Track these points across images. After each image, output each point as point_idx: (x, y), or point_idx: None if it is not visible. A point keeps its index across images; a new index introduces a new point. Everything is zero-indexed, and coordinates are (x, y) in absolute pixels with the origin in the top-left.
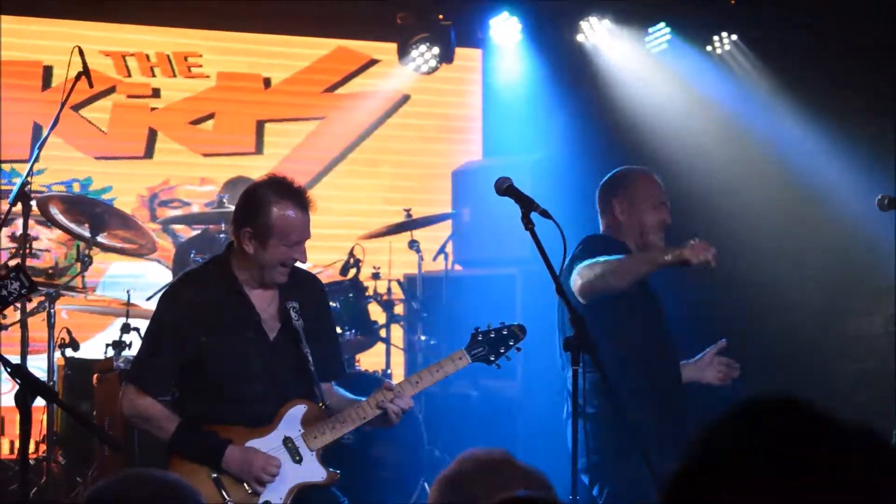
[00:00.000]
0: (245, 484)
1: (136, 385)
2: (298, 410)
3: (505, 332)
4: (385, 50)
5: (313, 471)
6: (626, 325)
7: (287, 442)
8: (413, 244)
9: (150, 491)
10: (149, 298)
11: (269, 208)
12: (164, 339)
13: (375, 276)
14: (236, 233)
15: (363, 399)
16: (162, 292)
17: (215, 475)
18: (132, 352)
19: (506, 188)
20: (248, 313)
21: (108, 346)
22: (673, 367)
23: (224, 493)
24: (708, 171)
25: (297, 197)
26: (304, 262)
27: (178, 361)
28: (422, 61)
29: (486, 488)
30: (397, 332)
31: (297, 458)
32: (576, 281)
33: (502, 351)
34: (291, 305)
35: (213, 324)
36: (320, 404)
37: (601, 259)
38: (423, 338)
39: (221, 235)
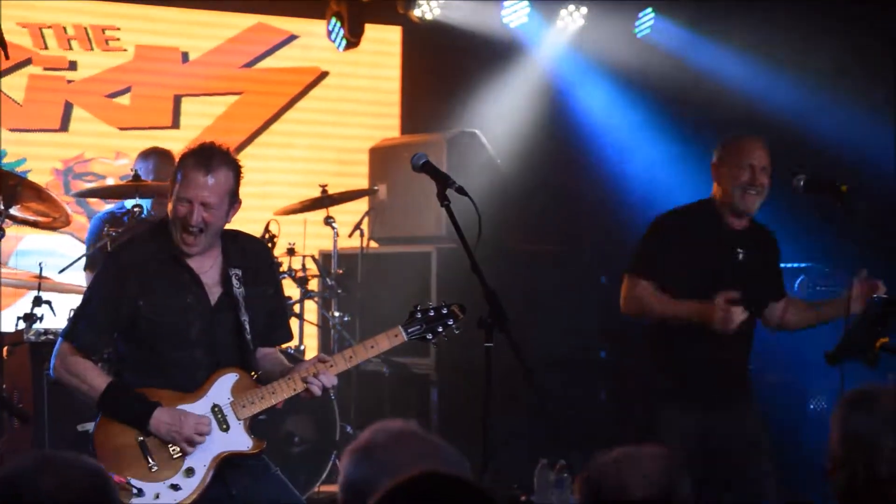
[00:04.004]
0: (171, 448)
1: (70, 343)
2: (229, 378)
3: (444, 311)
4: (305, 25)
5: (240, 440)
6: None
7: (215, 409)
8: (329, 220)
9: (65, 479)
10: (61, 271)
11: (178, 164)
12: (102, 300)
13: (290, 252)
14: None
15: (295, 369)
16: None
17: (141, 438)
18: (43, 325)
19: (422, 164)
20: (189, 277)
21: (19, 318)
22: None
23: (149, 457)
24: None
25: (197, 154)
26: (190, 223)
27: (115, 322)
28: (339, 37)
29: (400, 458)
30: (311, 309)
31: (225, 426)
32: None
33: (440, 330)
34: (234, 272)
35: (152, 287)
36: (252, 373)
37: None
38: (336, 314)
39: (136, 209)
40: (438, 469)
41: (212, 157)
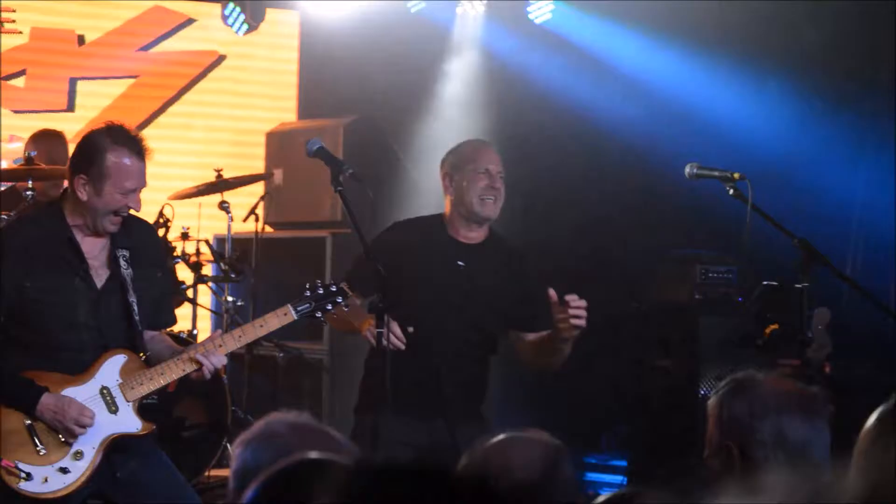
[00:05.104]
0: (58, 432)
1: None
2: (118, 360)
3: (333, 289)
4: (202, 9)
5: (129, 421)
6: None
7: (104, 391)
8: (223, 205)
9: None
10: None
11: (104, 155)
12: None
13: (184, 236)
14: (71, 179)
15: (185, 350)
16: None
17: (29, 422)
18: None
19: (316, 150)
20: (77, 260)
21: None
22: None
23: (37, 441)
24: (524, 141)
25: (133, 144)
26: (137, 209)
27: (1, 305)
28: (238, 21)
29: (298, 448)
30: (205, 293)
31: (114, 408)
32: None
33: (329, 308)
34: (121, 254)
35: (39, 269)
36: (140, 354)
37: None
38: (230, 299)
39: (28, 193)
40: (316, 455)
41: (139, 142)
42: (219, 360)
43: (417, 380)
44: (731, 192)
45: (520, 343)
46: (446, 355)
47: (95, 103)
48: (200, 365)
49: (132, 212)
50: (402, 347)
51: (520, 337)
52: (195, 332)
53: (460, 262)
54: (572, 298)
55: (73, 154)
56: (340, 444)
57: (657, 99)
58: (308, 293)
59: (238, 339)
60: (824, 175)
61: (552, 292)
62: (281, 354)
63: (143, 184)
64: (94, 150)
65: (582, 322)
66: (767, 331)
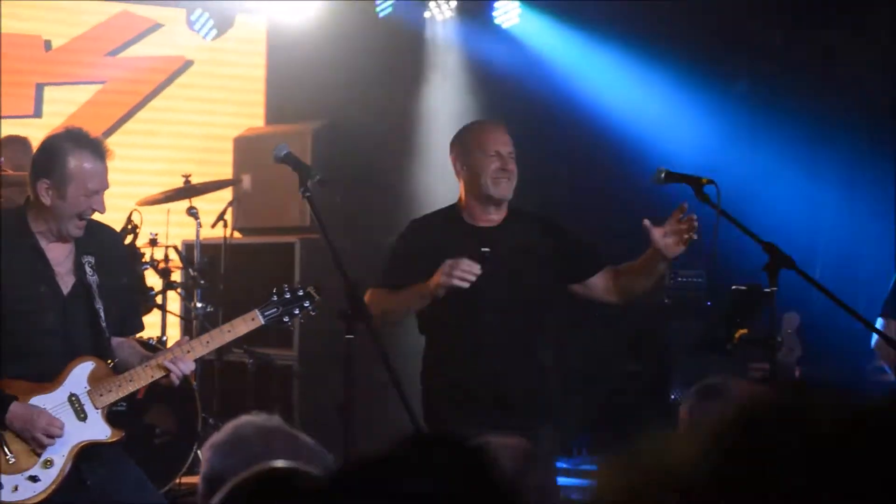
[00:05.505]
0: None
1: None
2: (85, 367)
3: (300, 294)
4: (168, 14)
5: (98, 429)
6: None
7: (72, 399)
8: (192, 211)
9: None
10: None
11: (65, 158)
12: None
13: (153, 243)
14: (33, 185)
15: (153, 357)
16: None
17: None
18: None
19: (283, 156)
20: (43, 267)
21: None
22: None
23: (6, 449)
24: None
25: (93, 146)
26: (102, 211)
27: None
28: (206, 27)
29: (266, 452)
30: (174, 300)
31: (82, 415)
32: None
33: (297, 313)
34: (87, 260)
35: (4, 276)
36: (108, 361)
37: (379, 292)
38: (199, 305)
39: None
40: (286, 465)
41: (99, 144)
42: (187, 366)
43: (472, 379)
44: (699, 196)
45: (601, 283)
46: (497, 350)
47: (62, 109)
48: (169, 371)
49: (97, 217)
50: (478, 272)
51: (590, 283)
52: (164, 338)
53: (485, 249)
54: (685, 210)
55: (34, 159)
56: (310, 449)
57: (626, 103)
58: (275, 297)
59: (206, 344)
60: (790, 188)
61: (646, 221)
62: (251, 361)
63: (105, 185)
64: (56, 154)
65: (696, 235)
66: (737, 335)
